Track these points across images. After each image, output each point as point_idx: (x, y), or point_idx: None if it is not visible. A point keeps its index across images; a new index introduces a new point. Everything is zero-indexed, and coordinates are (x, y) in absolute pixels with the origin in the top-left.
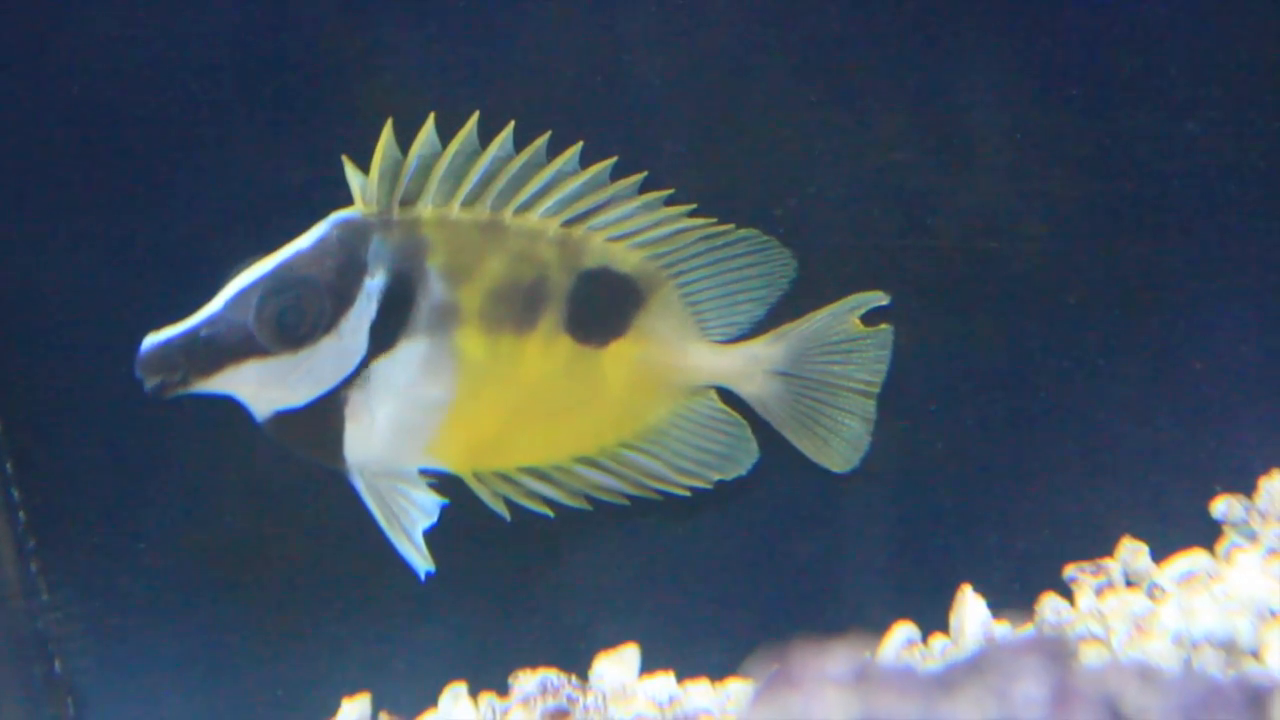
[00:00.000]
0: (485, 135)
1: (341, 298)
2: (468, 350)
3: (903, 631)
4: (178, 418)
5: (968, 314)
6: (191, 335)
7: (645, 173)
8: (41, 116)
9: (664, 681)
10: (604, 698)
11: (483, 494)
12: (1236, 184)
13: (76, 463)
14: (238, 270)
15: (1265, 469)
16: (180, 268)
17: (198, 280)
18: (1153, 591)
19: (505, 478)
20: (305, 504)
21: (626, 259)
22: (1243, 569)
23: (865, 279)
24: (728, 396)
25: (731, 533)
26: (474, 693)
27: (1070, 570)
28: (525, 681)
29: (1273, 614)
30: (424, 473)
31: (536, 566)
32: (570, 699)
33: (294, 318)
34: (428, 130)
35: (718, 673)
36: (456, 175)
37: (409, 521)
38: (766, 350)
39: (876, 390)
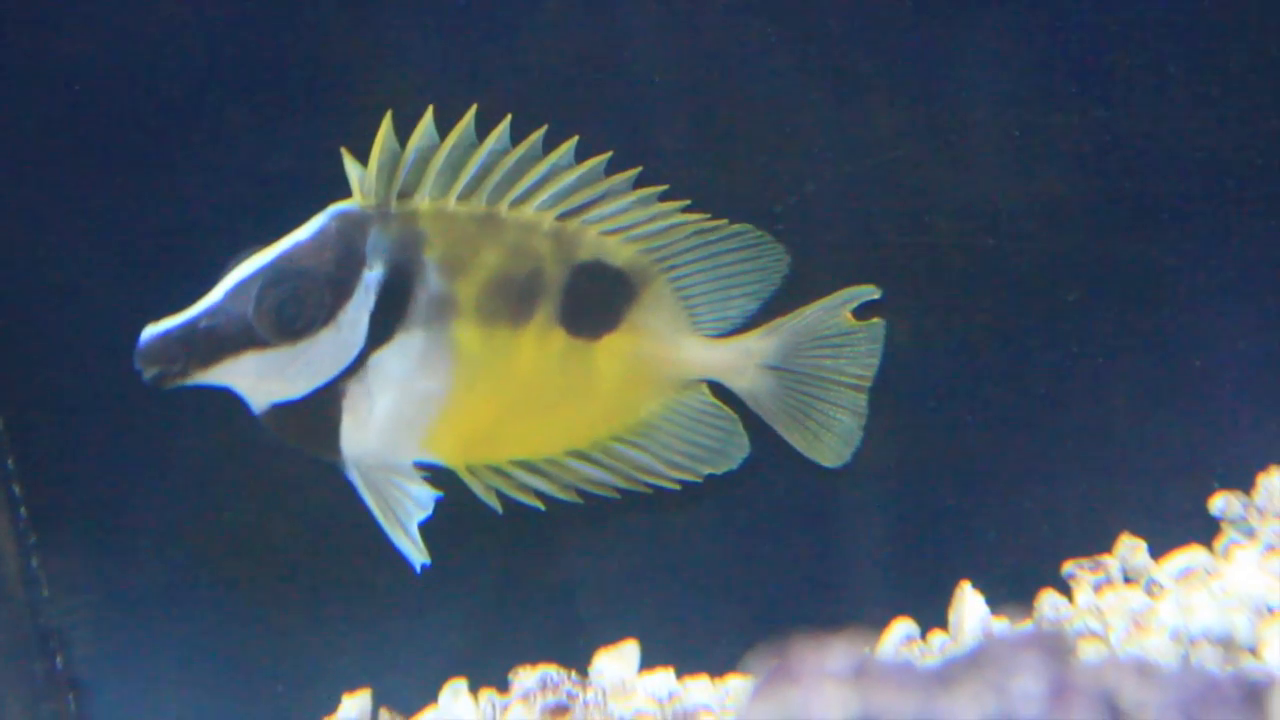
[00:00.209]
0: (482, 129)
1: (340, 290)
2: (464, 343)
3: (902, 628)
4: (178, 414)
5: (966, 311)
6: (191, 326)
7: (640, 168)
8: (40, 108)
9: (664, 677)
10: (604, 694)
11: (475, 487)
12: (1235, 181)
13: (77, 459)
14: (236, 262)
15: (1263, 466)
16: (178, 261)
17: (196, 272)
18: (1151, 588)
19: (497, 470)
20: (305, 500)
21: (619, 252)
22: (1241, 565)
23: (864, 276)
24: (720, 391)
25: (731, 529)
26: (474, 689)
27: (1069, 567)
28: (525, 678)
29: (1270, 610)
30: (418, 466)
31: (536, 563)
32: (570, 695)
33: (293, 309)
34: (426, 123)
35: (717, 669)
36: (453, 168)
37: (404, 514)
38: (758, 344)
39: (868, 384)
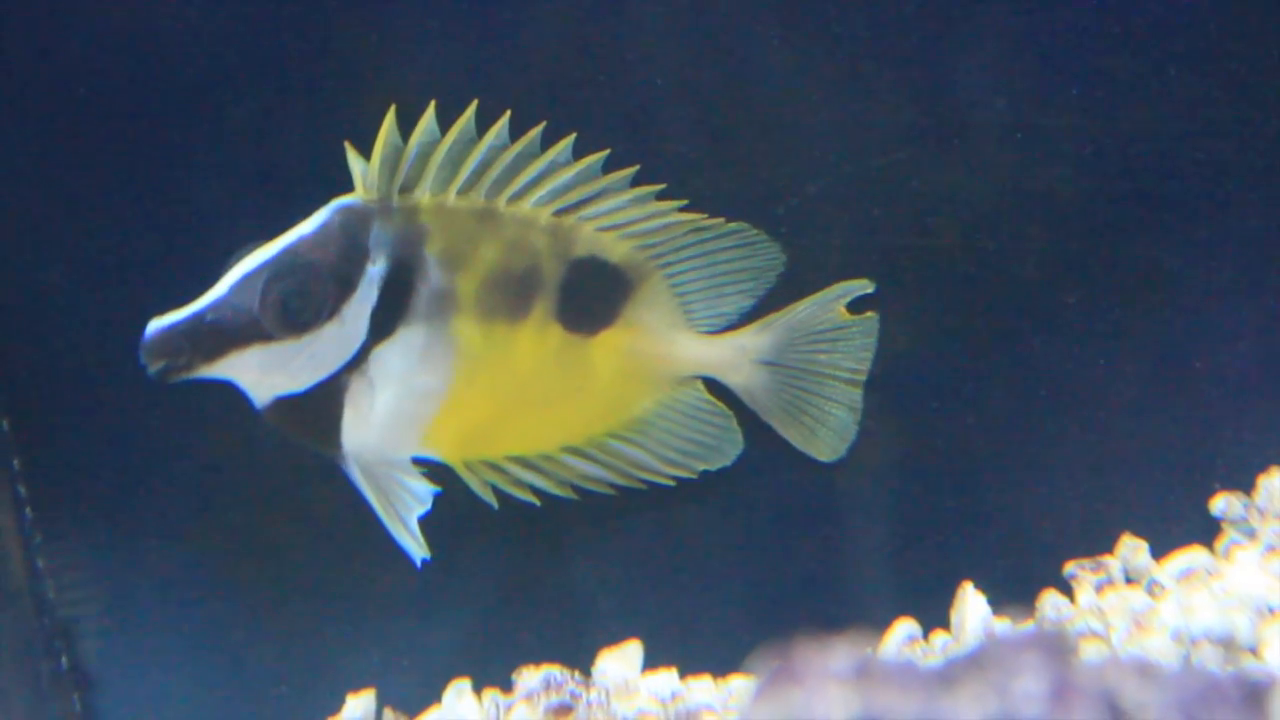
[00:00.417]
0: (482, 125)
1: (344, 284)
2: (464, 338)
3: (904, 628)
4: (184, 414)
5: (968, 312)
6: (196, 320)
7: (637, 166)
8: (44, 103)
9: (667, 677)
10: (607, 694)
11: (471, 482)
12: (1236, 183)
13: (83, 459)
14: (239, 256)
15: (1264, 467)
16: (181, 256)
17: (199, 268)
18: (1152, 588)
19: (494, 466)
20: (310, 501)
21: (615, 249)
22: (1242, 566)
23: (866, 277)
24: (715, 387)
25: (734, 530)
26: (478, 689)
27: (1070, 567)
28: (529, 678)
29: (1271, 611)
30: (415, 461)
31: (540, 564)
32: (574, 695)
33: (298, 303)
34: (428, 118)
35: (720, 669)
36: (453, 163)
37: (404, 509)
38: (753, 340)
39: (863, 378)
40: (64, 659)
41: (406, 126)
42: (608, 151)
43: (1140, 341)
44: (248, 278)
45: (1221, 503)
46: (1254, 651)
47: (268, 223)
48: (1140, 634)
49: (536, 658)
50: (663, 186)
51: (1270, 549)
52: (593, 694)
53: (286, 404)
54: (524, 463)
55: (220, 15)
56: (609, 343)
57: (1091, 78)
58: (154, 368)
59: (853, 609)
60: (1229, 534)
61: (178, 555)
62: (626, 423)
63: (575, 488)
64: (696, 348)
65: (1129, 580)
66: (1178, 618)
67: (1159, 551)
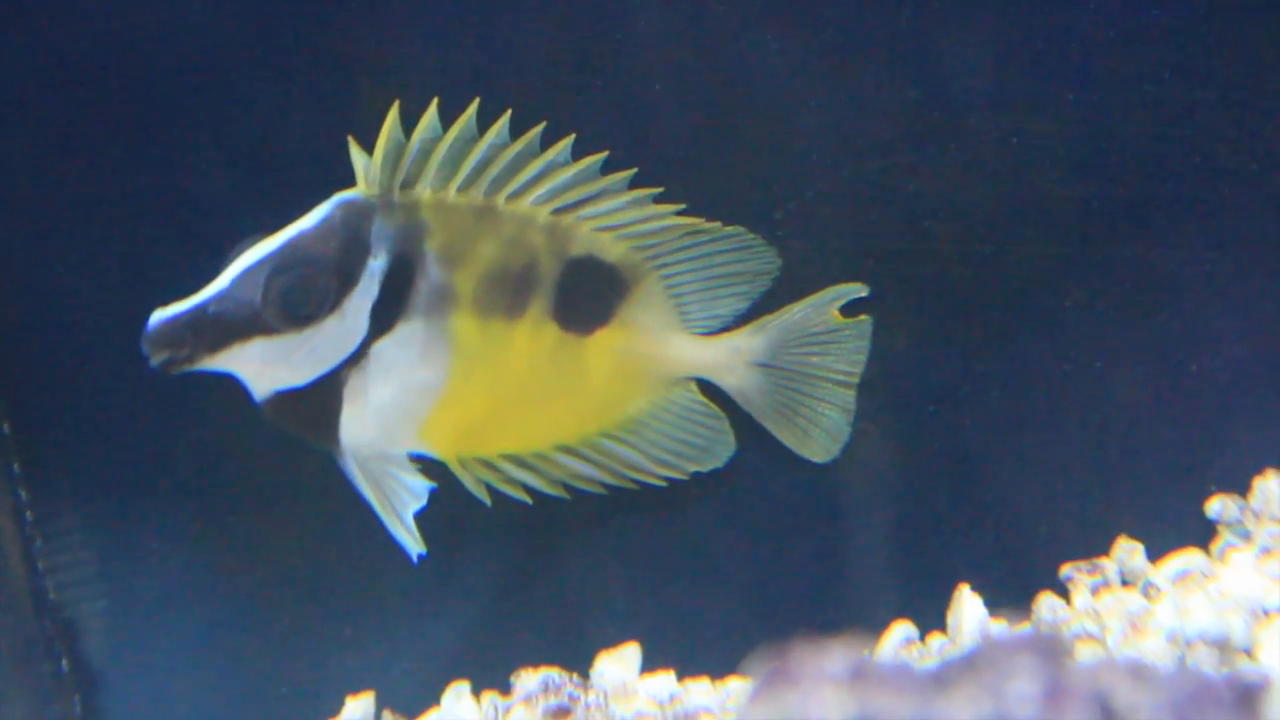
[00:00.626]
0: (482, 124)
1: (346, 278)
2: (461, 334)
3: (901, 630)
4: (184, 417)
5: (965, 316)
6: (199, 312)
7: (635, 169)
8: (47, 93)
9: (664, 680)
10: (605, 696)
11: (465, 479)
12: (1231, 187)
13: (83, 462)
14: (241, 249)
15: (1259, 469)
16: (183, 258)
17: (199, 262)
18: (1148, 590)
19: (487, 464)
20: (310, 503)
21: (612, 249)
22: (1237, 568)
23: (864, 281)
24: (709, 389)
25: (732, 532)
26: (476, 691)
27: (1067, 569)
28: (527, 680)
29: (1266, 612)
30: (411, 458)
31: (538, 566)
32: (572, 697)
33: (300, 296)
34: (430, 115)
35: (718, 671)
36: (454, 160)
37: (400, 504)
38: (747, 342)
39: (856, 380)
40: (65, 661)
41: (406, 124)
42: (606, 153)
43: (1136, 345)
44: (250, 271)
45: (1217, 505)
46: (1249, 653)
47: (267, 218)
48: (1136, 636)
49: (535, 660)
50: (660, 190)
51: (1265, 551)
52: (591, 696)
53: (286, 398)
54: (517, 461)
55: (222, 10)
56: (604, 342)
57: (1086, 83)
58: (156, 359)
59: (850, 611)
60: (1224, 536)
61: (178, 558)
62: (620, 422)
63: (567, 487)
64: (691, 349)
65: (1125, 582)
66: (1173, 620)
67: (1155, 554)
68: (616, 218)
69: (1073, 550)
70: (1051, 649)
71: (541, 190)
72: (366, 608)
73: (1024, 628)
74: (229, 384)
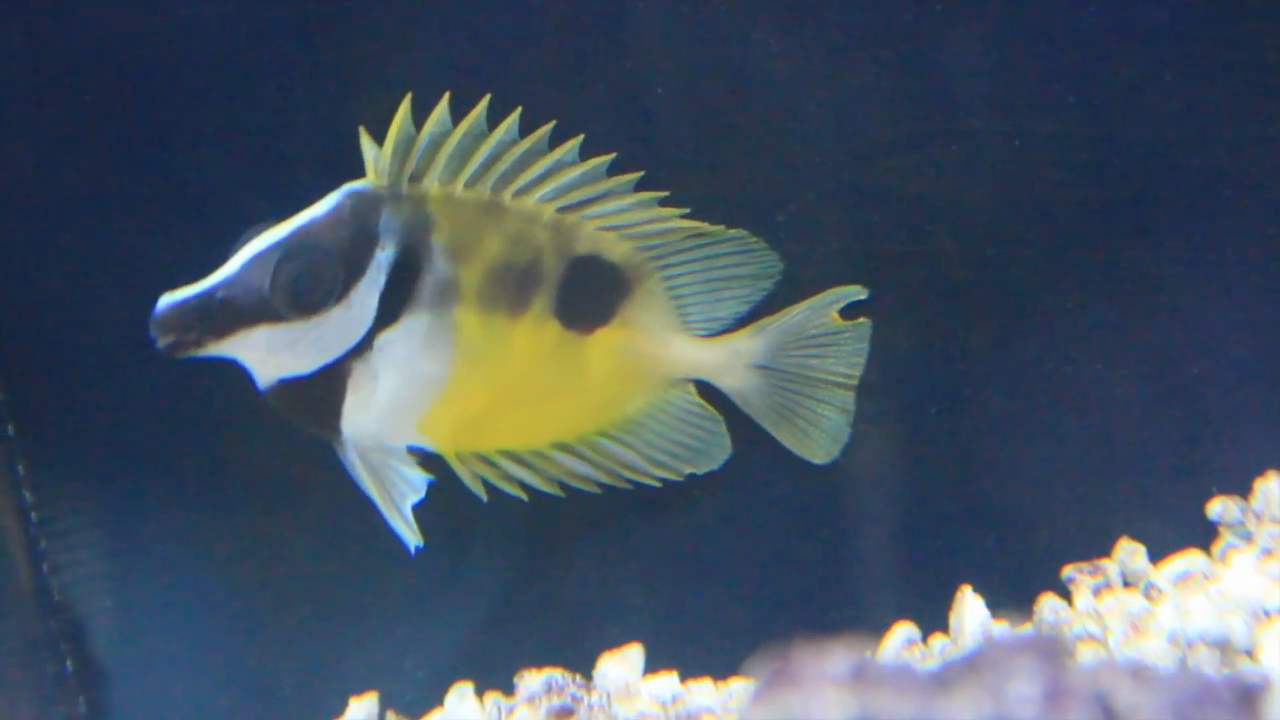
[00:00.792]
0: (489, 122)
1: (354, 268)
2: (465, 328)
3: (903, 631)
4: (189, 418)
5: (967, 318)
6: (207, 297)
7: (642, 172)
8: (55, 82)
9: (667, 681)
10: (608, 697)
11: (463, 474)
12: (1232, 189)
13: (88, 463)
14: (249, 236)
15: (1260, 471)
16: (187, 259)
17: (204, 267)
18: (1149, 592)
19: (485, 460)
20: (314, 505)
21: (615, 248)
22: (1238, 569)
23: (865, 283)
24: (708, 390)
25: (735, 534)
26: (480, 692)
27: (1068, 571)
28: (530, 681)
29: (1267, 614)
30: (410, 451)
31: (542, 567)
32: (575, 698)
33: (308, 284)
34: (441, 109)
35: (721, 672)
36: (463, 155)
37: (399, 496)
38: (746, 344)
39: (855, 383)
40: (70, 661)
41: (415, 118)
42: (614, 155)
43: (1137, 346)
44: (259, 257)
45: (1218, 507)
46: (1250, 654)
47: (270, 209)
48: (1137, 637)
49: (538, 661)
50: (666, 194)
51: (1266, 552)
52: (594, 697)
53: (290, 386)
54: (515, 458)
55: (228, 2)
56: (604, 341)
57: (1087, 84)
58: (163, 342)
59: (853, 612)
60: (1226, 538)
61: (182, 559)
62: (617, 422)
63: (563, 485)
64: (690, 350)
65: (1126, 584)
66: (1174, 621)
67: (1156, 555)
68: (621, 218)
69: (1074, 552)
70: (1052, 650)
71: (548, 188)
72: (370, 609)
73: (1026, 629)
74: (234, 387)
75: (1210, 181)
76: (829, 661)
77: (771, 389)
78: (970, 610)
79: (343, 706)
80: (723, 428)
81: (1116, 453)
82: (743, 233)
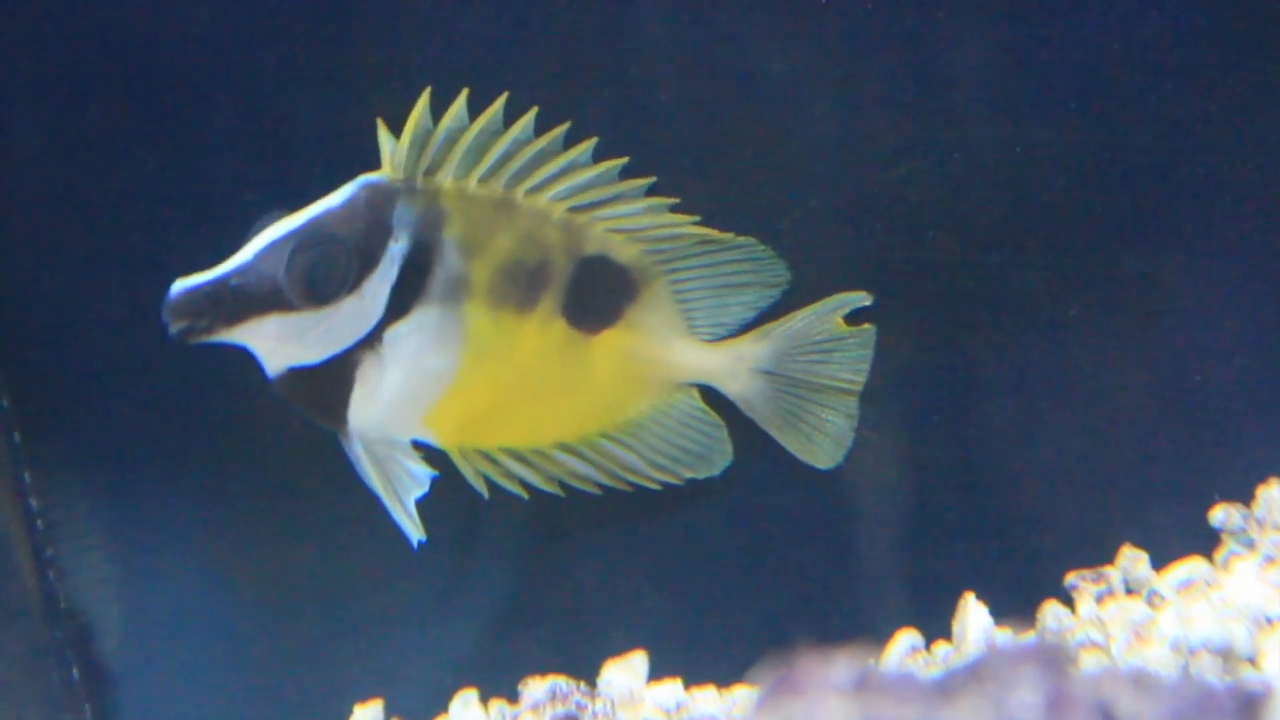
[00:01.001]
0: (499, 117)
1: (367, 259)
2: (474, 324)
3: (906, 638)
4: (194, 425)
5: (969, 326)
6: (221, 283)
7: (654, 178)
8: (65, 71)
9: (671, 688)
10: (612, 704)
11: (465, 470)
12: (1234, 197)
13: (94, 471)
14: (262, 225)
15: (1263, 478)
16: (190, 256)
17: (210, 262)
18: (1152, 599)
19: (488, 457)
20: (320, 513)
21: (624, 250)
22: (1240, 576)
23: (868, 290)
24: (712, 395)
25: (740, 541)
26: (484, 699)
27: (1071, 578)
28: (534, 688)
29: (1269, 621)
30: (414, 446)
31: (546, 574)
32: (579, 705)
33: (323, 274)
34: (459, 104)
35: (724, 679)
36: (478, 151)
37: (403, 490)
38: (750, 349)
39: (859, 389)
40: (76, 669)
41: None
42: (626, 159)
43: (1139, 353)
44: (274, 245)
45: (1221, 514)
46: (1252, 661)
47: (275, 201)
48: (1140, 644)
49: (542, 668)
50: (677, 200)
51: (1269, 560)
52: (598, 704)
53: (299, 375)
54: (516, 456)
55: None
56: (610, 342)
57: (1089, 92)
58: (175, 327)
59: (856, 619)
60: (1228, 545)
61: (188, 567)
62: (620, 424)
63: (563, 485)
64: (695, 354)
65: (1129, 591)
66: (1177, 628)
67: (1159, 562)
68: (631, 221)
69: (1077, 559)
70: (1055, 658)
71: (560, 188)
72: (375, 616)
73: (1029, 636)
74: (242, 394)
75: (1212, 190)
76: (832, 669)
77: (775, 394)
78: (973, 617)
79: (348, 713)
80: (724, 433)
81: (1119, 460)
82: (751, 241)
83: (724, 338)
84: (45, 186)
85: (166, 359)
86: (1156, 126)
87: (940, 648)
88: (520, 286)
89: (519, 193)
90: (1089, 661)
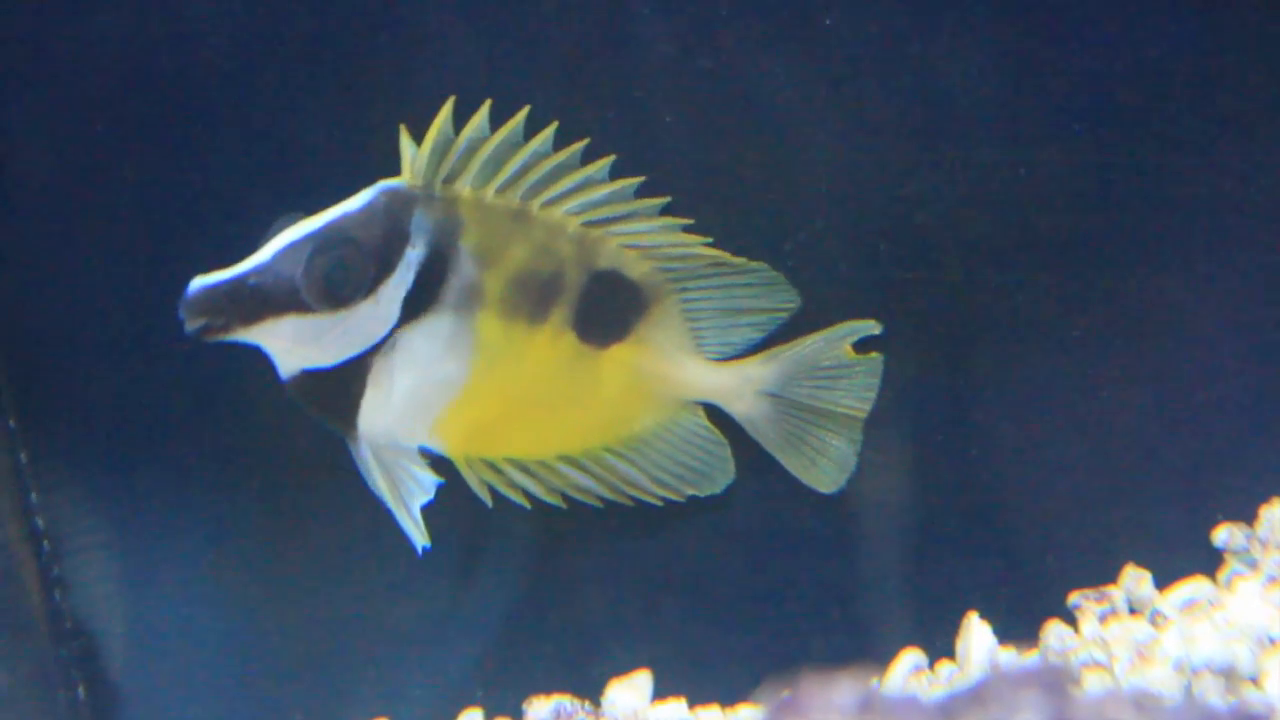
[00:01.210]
0: (519, 129)
1: (384, 264)
2: (485, 333)
3: (910, 658)
4: (202, 443)
5: (974, 345)
6: (239, 282)
7: (668, 198)
8: (75, 75)
9: (676, 707)
10: None
11: (470, 479)
12: (1238, 217)
13: (99, 492)
14: (280, 227)
15: (1266, 498)
16: (194, 258)
17: (215, 263)
18: (1155, 619)
19: (492, 467)
20: (325, 531)
21: (636, 266)
22: (1243, 596)
23: (872, 311)
24: (717, 415)
25: (744, 560)
26: (489, 718)
27: (1074, 597)
28: (539, 707)
29: (1272, 641)
30: (421, 452)
31: (551, 593)
32: None
33: (340, 277)
34: (481, 115)
35: (729, 699)
36: (497, 162)
37: (409, 496)
38: (758, 371)
39: (864, 416)
40: (82, 688)
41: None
42: (643, 178)
43: (1143, 373)
44: (293, 247)
45: (1224, 534)
46: (1255, 682)
47: (275, 206)
48: (1143, 664)
49: (546, 687)
50: (691, 221)
51: (1272, 580)
52: None
53: (311, 378)
54: (521, 466)
55: (241, 5)
56: (618, 357)
57: (1093, 114)
58: (192, 325)
59: (860, 639)
60: (1231, 565)
61: (194, 585)
62: (625, 439)
63: (565, 498)
64: (702, 373)
65: (1132, 610)
66: (1180, 648)
67: (1162, 582)
68: (645, 239)
69: (1081, 578)
70: (1057, 681)
71: (576, 202)
72: (379, 634)
73: (1032, 656)
74: (248, 415)
75: (1216, 210)
76: (836, 690)
77: (780, 417)
78: (977, 637)
79: None
80: (728, 452)
81: (1122, 479)
82: (763, 265)
83: (731, 358)
84: (50, 184)
85: (173, 379)
86: (1160, 147)
87: (944, 667)
88: (532, 298)
89: (535, 205)
90: (1092, 681)
